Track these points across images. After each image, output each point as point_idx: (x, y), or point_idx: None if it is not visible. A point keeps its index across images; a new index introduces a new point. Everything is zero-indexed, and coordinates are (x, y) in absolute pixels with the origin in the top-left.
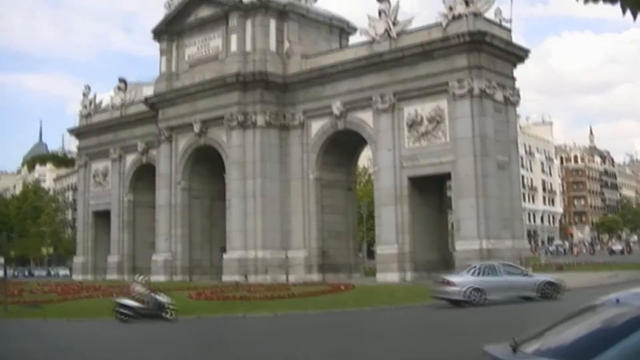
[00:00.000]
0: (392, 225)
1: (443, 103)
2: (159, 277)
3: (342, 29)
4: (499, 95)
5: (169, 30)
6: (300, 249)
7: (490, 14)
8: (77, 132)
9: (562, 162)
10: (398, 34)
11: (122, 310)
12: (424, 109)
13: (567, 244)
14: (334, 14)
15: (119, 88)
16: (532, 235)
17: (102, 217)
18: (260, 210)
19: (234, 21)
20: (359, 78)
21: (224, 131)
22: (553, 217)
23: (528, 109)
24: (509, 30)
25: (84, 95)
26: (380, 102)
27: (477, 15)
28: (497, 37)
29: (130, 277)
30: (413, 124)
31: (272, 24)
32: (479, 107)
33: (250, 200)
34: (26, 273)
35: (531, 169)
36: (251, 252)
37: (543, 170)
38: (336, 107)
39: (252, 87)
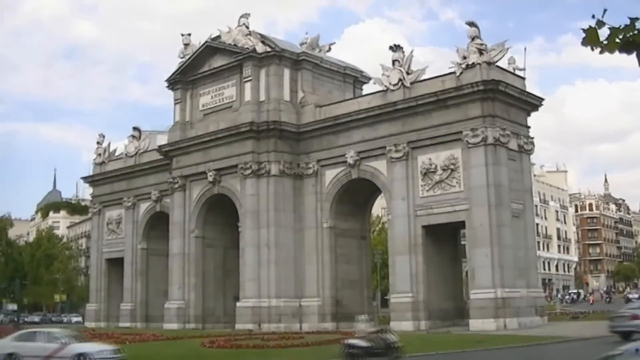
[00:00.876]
0: (407, 273)
1: (457, 152)
2: (171, 325)
3: (355, 78)
4: (513, 144)
5: (183, 80)
6: (314, 297)
7: (503, 63)
8: (90, 180)
9: (576, 210)
10: (412, 83)
11: (351, 350)
12: (438, 157)
13: (582, 292)
14: (347, 63)
15: (133, 136)
16: (547, 283)
17: (115, 264)
18: (274, 259)
19: (248, 71)
20: (373, 127)
21: (237, 180)
22: (568, 265)
23: (542, 157)
24: (523, 79)
25: (98, 143)
26: (394, 151)
27: (490, 64)
28: (511, 85)
29: (143, 324)
30: (427, 173)
31: (286, 73)
32: (493, 156)
33: (264, 249)
34: (35, 319)
35: (546, 217)
36: (264, 300)
37: (558, 219)
38: (350, 156)
39: (266, 136)
